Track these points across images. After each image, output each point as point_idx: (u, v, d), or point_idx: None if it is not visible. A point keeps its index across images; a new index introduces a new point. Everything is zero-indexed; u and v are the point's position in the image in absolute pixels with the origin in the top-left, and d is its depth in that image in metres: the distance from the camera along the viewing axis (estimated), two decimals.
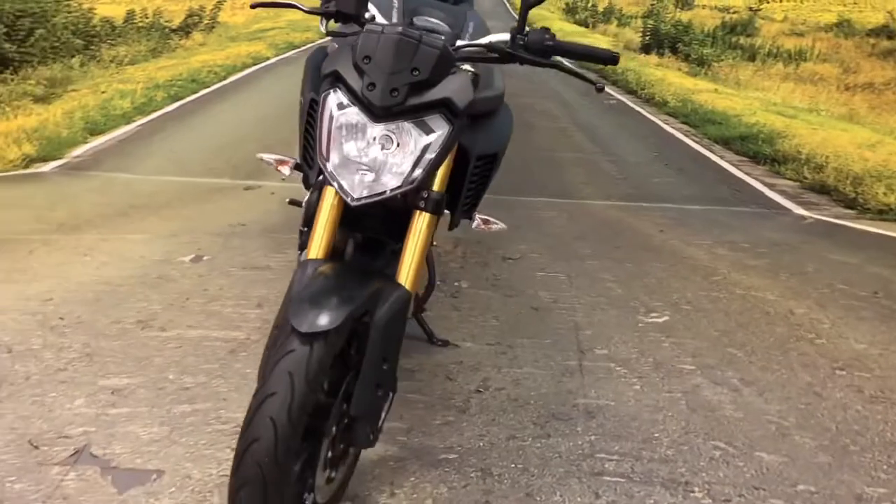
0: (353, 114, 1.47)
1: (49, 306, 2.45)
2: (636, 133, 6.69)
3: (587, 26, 18.79)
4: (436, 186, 1.60)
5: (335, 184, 1.48)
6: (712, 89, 9.79)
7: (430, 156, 1.48)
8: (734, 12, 20.77)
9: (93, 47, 9.28)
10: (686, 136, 6.83)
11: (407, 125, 1.47)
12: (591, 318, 2.57)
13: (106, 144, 5.40)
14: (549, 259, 3.00)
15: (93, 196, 3.99)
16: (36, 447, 1.83)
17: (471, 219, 1.98)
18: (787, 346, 2.54)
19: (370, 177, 1.46)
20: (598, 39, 13.09)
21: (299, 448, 1.36)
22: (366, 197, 1.46)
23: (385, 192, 1.46)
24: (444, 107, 1.49)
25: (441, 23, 1.83)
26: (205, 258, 2.86)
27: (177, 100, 7.04)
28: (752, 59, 14.92)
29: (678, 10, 18.41)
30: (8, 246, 2.94)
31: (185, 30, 13.11)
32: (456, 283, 2.77)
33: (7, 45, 7.16)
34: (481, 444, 1.97)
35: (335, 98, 1.50)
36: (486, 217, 2.03)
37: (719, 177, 5.30)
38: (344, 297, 1.42)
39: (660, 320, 2.61)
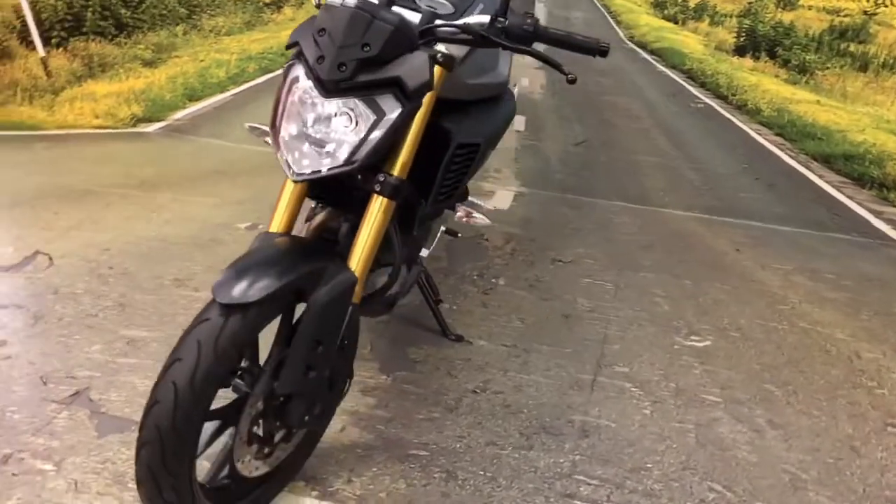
0: (308, 87, 1.45)
1: (104, 256, 2.64)
2: (724, 141, 6.24)
3: (676, 22, 17.51)
4: (395, 170, 1.56)
5: (282, 157, 1.47)
6: (814, 100, 8.93)
7: (375, 136, 1.43)
8: (845, 15, 18.45)
9: (195, 17, 9.79)
10: (780, 149, 6.29)
11: (355, 102, 1.43)
12: (624, 333, 2.44)
13: (203, 110, 5.72)
14: (602, 266, 2.87)
15: (182, 158, 4.23)
16: (45, 384, 1.98)
17: (453, 209, 1.93)
18: (837, 391, 2.31)
19: (313, 153, 1.43)
20: (687, 37, 12.14)
21: (204, 415, 1.37)
22: (306, 174, 1.44)
23: (322, 170, 1.43)
24: (396, 86, 1.43)
25: (445, 1, 1.77)
26: (260, 226, 2.97)
27: (267, 72, 7.31)
28: (864, 69, 13.22)
29: (779, 9, 16.61)
30: (91, 197, 3.19)
31: (276, 4, 13.56)
32: (493, 280, 2.72)
33: (123, 11, 7.69)
34: (457, 445, 1.94)
35: (294, 70, 1.48)
36: (471, 209, 1.97)
37: (816, 197, 4.84)
38: (274, 273, 1.41)
39: (699, 344, 2.45)
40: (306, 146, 1.44)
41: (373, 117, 1.43)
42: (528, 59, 3.07)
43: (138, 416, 1.68)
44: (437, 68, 1.55)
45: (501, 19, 1.57)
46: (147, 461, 1.33)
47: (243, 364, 1.49)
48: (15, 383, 1.97)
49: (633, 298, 2.65)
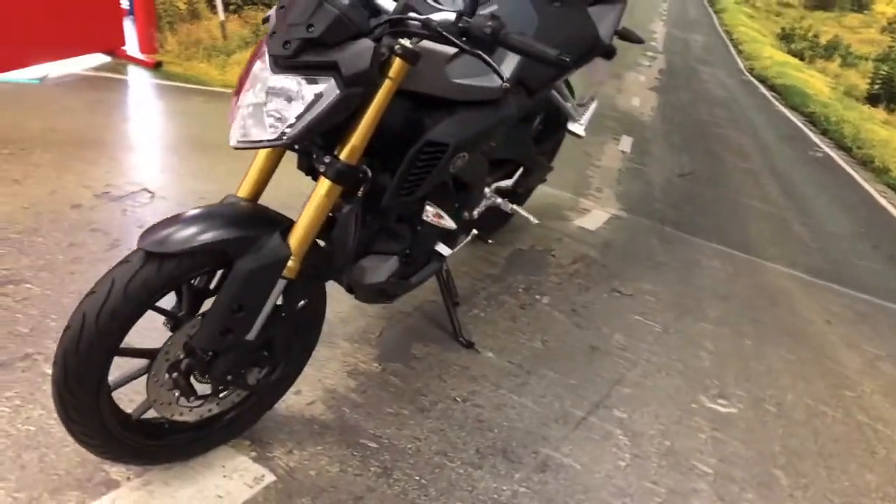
0: (264, 60, 1.54)
1: (200, 202, 2.93)
2: (842, 199, 5.39)
3: (802, 59, 14.85)
4: (343, 154, 1.62)
5: (229, 123, 1.56)
6: None
7: (308, 116, 1.49)
8: None
9: None
10: None
11: (298, 81, 1.50)
12: (644, 379, 2.33)
13: None
14: (662, 307, 2.73)
15: None
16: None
17: (421, 209, 1.94)
18: (861, 499, 2.05)
19: (251, 125, 1.51)
20: (812, 77, 10.32)
21: (111, 349, 1.51)
22: (242, 144, 1.52)
23: (257, 142, 1.51)
24: (337, 71, 1.48)
25: None
26: None
27: None
28: None
29: None
30: (217, 151, 3.53)
31: None
32: (537, 297, 2.69)
33: None
34: (409, 446, 1.99)
35: (264, 44, 1.56)
36: (440, 211, 1.96)
37: None
38: (200, 231, 1.53)
39: (722, 410, 2.27)
40: (249, 117, 1.52)
41: (310, 98, 1.49)
42: (642, 76, 2.96)
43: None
44: (397, 61, 1.57)
45: (466, 18, 1.57)
46: (55, 380, 1.51)
47: (171, 309, 1.63)
48: (65, 295, 2.26)
49: (675, 346, 2.50)
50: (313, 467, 1.90)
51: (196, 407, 1.77)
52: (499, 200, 2.49)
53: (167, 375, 1.66)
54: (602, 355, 2.43)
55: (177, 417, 1.75)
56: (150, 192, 2.99)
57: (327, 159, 1.62)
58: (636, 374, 2.36)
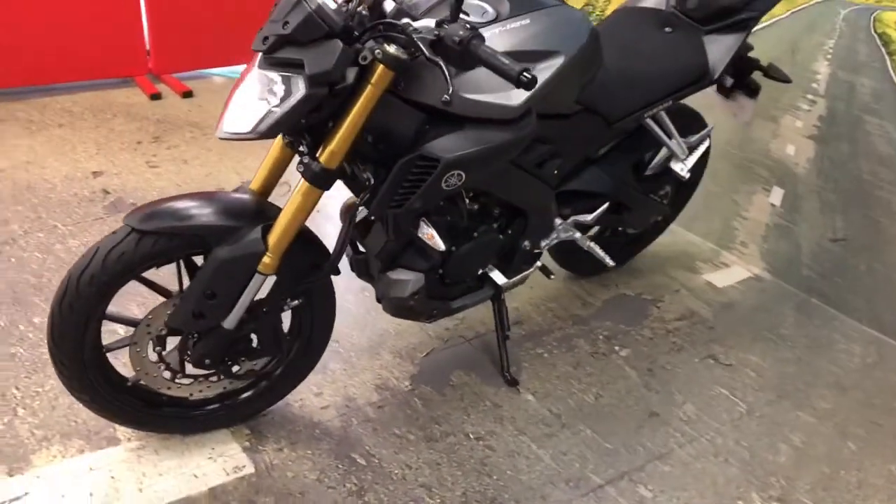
0: (256, 57, 1.63)
1: None
2: None
3: None
4: (322, 157, 1.66)
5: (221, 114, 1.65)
6: None
7: (276, 112, 1.54)
8: None
9: None
10: None
11: (272, 76, 1.56)
12: (694, 461, 2.08)
13: None
14: (760, 385, 2.38)
15: None
16: None
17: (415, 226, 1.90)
18: None
19: (233, 117, 1.59)
20: None
21: (90, 313, 1.69)
22: (224, 135, 1.60)
23: (234, 134, 1.58)
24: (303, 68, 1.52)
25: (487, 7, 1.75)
26: None
27: None
28: None
29: None
30: None
31: None
32: (616, 348, 2.49)
33: None
34: (396, 471, 2.00)
35: None
36: (433, 232, 1.90)
37: None
38: (185, 215, 1.69)
39: None
40: (234, 110, 1.61)
41: (280, 94, 1.55)
42: (799, 122, 2.65)
43: None
44: (380, 67, 1.57)
45: (445, 26, 1.52)
46: (47, 330, 1.70)
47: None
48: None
49: (752, 432, 2.19)
50: (294, 470, 1.95)
51: (185, 385, 1.89)
52: (577, 235, 2.35)
53: (152, 349, 1.80)
54: (658, 424, 2.20)
55: (166, 392, 1.89)
56: (290, 185, 3.21)
57: (306, 160, 1.66)
58: (687, 452, 2.10)
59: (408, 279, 2.04)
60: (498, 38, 1.74)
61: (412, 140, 1.72)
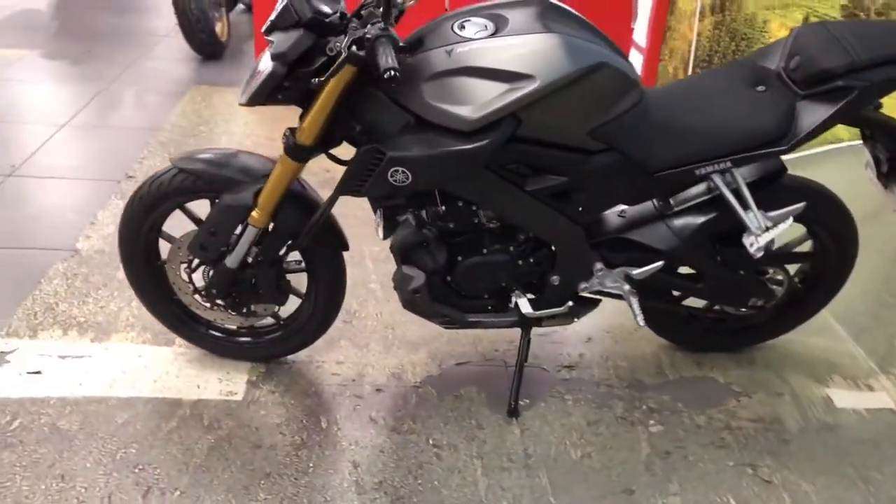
0: None
1: None
2: None
3: None
4: (299, 133, 1.96)
5: None
6: None
7: (253, 85, 1.92)
8: None
9: None
10: None
11: (265, 55, 1.94)
12: None
13: None
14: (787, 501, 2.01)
15: None
16: None
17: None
18: None
19: (245, 88, 1.99)
20: None
21: (138, 224, 2.22)
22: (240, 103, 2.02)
23: (241, 104, 2.00)
24: None
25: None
26: None
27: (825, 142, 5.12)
28: None
29: None
30: None
31: None
32: (651, 421, 2.31)
33: None
34: (342, 442, 2.22)
35: None
36: (380, 221, 2.05)
37: None
38: (210, 164, 2.15)
39: None
40: (246, 81, 2.01)
41: (260, 70, 1.91)
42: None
43: None
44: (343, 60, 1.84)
45: (369, 27, 1.74)
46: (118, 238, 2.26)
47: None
48: None
49: None
50: (268, 410, 2.29)
51: (208, 310, 2.30)
52: (625, 287, 2.25)
53: (183, 269, 2.25)
54: (623, 503, 2.02)
55: (194, 310, 2.32)
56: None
57: (287, 132, 1.96)
58: None
59: (412, 275, 2.22)
60: (475, 53, 1.86)
61: (393, 136, 1.92)
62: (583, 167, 2.05)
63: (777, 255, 2.42)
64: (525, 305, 2.28)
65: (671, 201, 2.30)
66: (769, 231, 2.18)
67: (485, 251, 2.20)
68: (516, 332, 2.44)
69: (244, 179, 2.12)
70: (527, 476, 2.12)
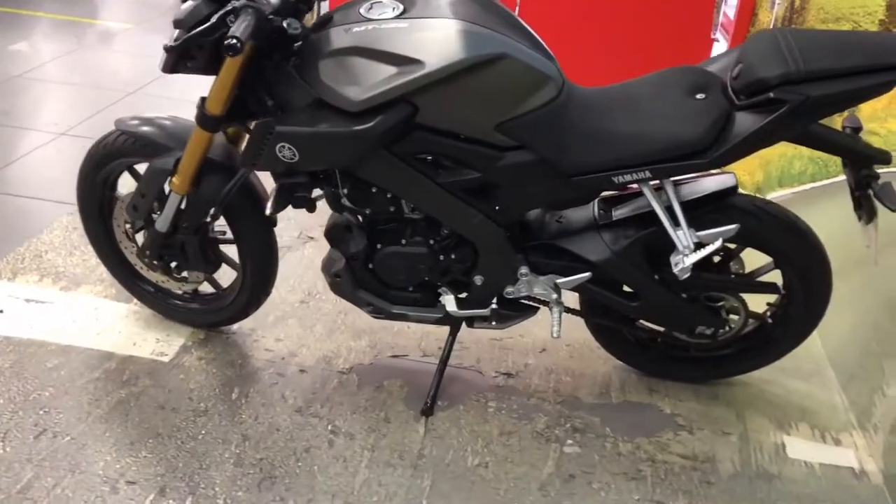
0: None
1: None
2: None
3: None
4: (208, 103, 2.00)
5: None
6: None
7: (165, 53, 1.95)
8: None
9: None
10: None
11: None
12: None
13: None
14: None
15: None
16: None
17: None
18: None
19: None
20: None
21: (91, 179, 2.34)
22: None
23: None
24: None
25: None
26: None
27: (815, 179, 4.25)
28: None
29: None
30: None
31: None
32: (570, 442, 2.19)
33: None
34: (243, 416, 2.26)
35: None
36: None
37: None
38: (148, 128, 2.25)
39: None
40: None
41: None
42: None
43: None
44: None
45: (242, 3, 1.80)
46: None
47: None
48: None
49: None
50: (188, 375, 2.39)
51: (150, 271, 2.40)
52: (553, 296, 2.15)
53: (126, 226, 2.36)
54: None
55: (139, 269, 2.43)
56: None
57: (200, 102, 2.00)
58: None
59: (334, 259, 2.22)
60: (369, 34, 1.84)
61: (296, 112, 1.93)
62: (495, 164, 1.97)
63: (728, 282, 2.23)
64: (451, 303, 2.23)
65: (613, 211, 2.17)
66: (696, 252, 2.00)
67: (404, 242, 2.16)
68: (464, 333, 2.39)
69: (172, 145, 2.19)
70: (410, 476, 2.07)
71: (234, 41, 1.68)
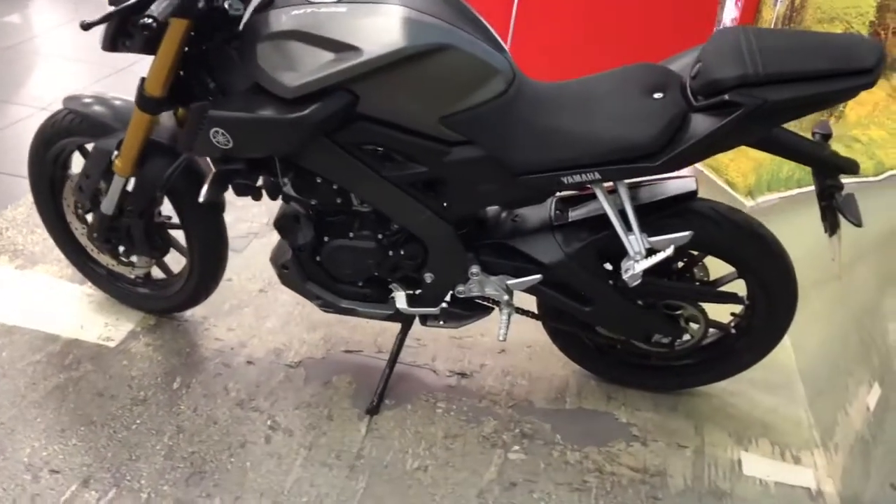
0: None
1: None
2: None
3: None
4: (146, 84, 1.93)
5: None
6: None
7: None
8: None
9: None
10: None
11: None
12: None
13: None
14: None
15: None
16: None
17: None
18: None
19: None
20: None
21: (41, 156, 2.29)
22: None
23: None
24: None
25: None
26: None
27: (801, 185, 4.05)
28: None
29: None
30: None
31: None
32: (516, 448, 2.12)
33: None
34: (181, 407, 2.20)
35: None
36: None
37: None
38: (94, 108, 2.18)
39: None
40: None
41: None
42: None
43: None
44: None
45: None
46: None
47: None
48: None
49: None
50: (130, 361, 2.36)
51: (101, 252, 2.35)
52: (504, 297, 2.08)
53: (75, 205, 2.31)
54: None
55: (90, 251, 2.38)
56: None
57: (140, 82, 1.94)
58: None
59: (283, 249, 2.16)
60: (309, 18, 1.76)
61: (234, 96, 1.87)
62: (442, 159, 1.89)
63: (686, 291, 2.14)
64: (401, 300, 2.16)
65: (569, 212, 2.09)
66: (647, 259, 1.91)
67: (352, 235, 2.09)
68: (422, 330, 2.31)
69: (118, 126, 2.13)
70: (346, 477, 2.01)
71: (149, 20, 1.60)
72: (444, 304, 2.16)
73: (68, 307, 2.47)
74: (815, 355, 2.46)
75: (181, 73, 1.94)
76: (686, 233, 1.89)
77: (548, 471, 2.09)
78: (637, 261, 1.92)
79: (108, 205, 2.19)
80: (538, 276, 2.05)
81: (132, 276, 2.44)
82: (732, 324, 2.26)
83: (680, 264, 2.16)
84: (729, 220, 2.01)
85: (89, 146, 2.25)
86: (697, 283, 2.15)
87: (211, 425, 2.12)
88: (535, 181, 1.89)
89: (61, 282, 2.58)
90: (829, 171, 1.86)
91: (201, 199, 2.01)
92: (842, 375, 2.24)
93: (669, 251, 1.89)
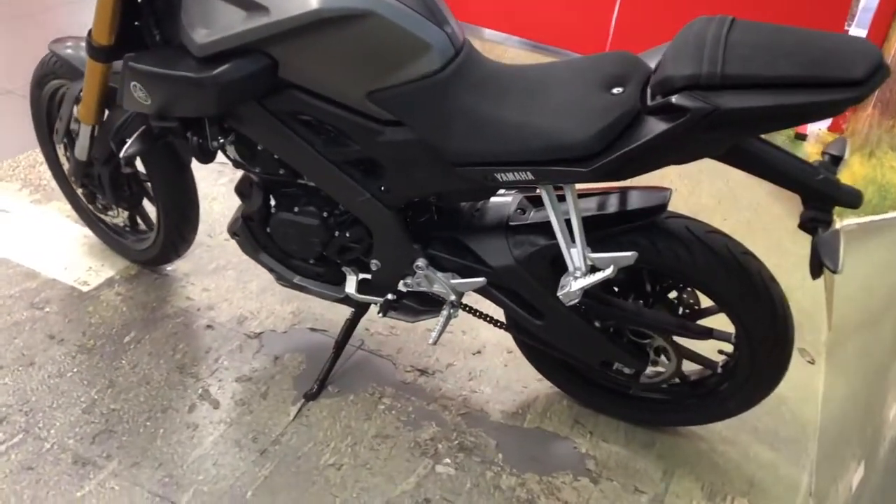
0: None
1: None
2: None
3: None
4: (93, 32, 1.87)
5: None
6: None
7: None
8: None
9: None
10: None
11: None
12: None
13: None
14: None
15: None
16: None
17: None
18: None
19: None
20: None
21: (39, 96, 2.33)
22: None
23: None
24: None
25: None
26: None
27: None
28: None
29: None
30: None
31: None
32: (447, 461, 1.92)
33: None
34: (122, 363, 2.18)
35: None
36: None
37: None
38: (70, 52, 2.19)
39: None
40: None
41: None
42: None
43: None
44: None
45: None
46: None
47: None
48: None
49: None
50: (96, 308, 2.37)
51: (84, 198, 2.37)
52: (451, 297, 1.89)
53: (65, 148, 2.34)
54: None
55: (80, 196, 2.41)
56: None
57: (88, 32, 1.90)
58: None
59: (235, 217, 2.07)
60: None
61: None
62: (375, 138, 1.71)
63: (649, 318, 1.83)
64: (350, 283, 2.01)
65: (530, 213, 1.85)
66: (587, 276, 1.64)
67: (296, 210, 1.96)
68: (397, 321, 2.16)
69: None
70: (252, 462, 1.90)
71: None
72: (390, 296, 1.99)
73: (61, 247, 2.52)
74: (838, 411, 2.08)
75: (136, 23, 1.89)
76: (629, 253, 1.60)
77: (472, 492, 1.89)
78: (576, 277, 1.66)
79: (79, 150, 2.19)
80: (482, 280, 1.84)
81: (111, 224, 2.46)
82: (721, 363, 1.95)
83: (657, 288, 1.88)
84: (701, 244, 1.69)
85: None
86: (674, 312, 1.86)
87: (143, 385, 2.09)
88: (470, 173, 1.67)
89: (67, 221, 2.64)
90: (819, 201, 1.52)
91: (121, 154, 1.94)
92: (836, 446, 1.87)
93: (609, 272, 1.61)
